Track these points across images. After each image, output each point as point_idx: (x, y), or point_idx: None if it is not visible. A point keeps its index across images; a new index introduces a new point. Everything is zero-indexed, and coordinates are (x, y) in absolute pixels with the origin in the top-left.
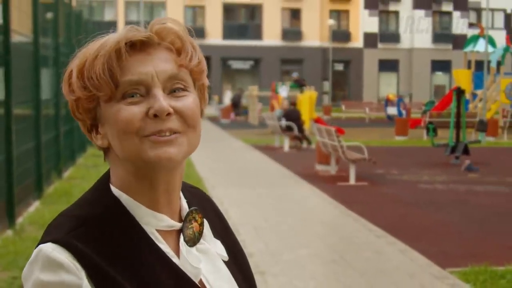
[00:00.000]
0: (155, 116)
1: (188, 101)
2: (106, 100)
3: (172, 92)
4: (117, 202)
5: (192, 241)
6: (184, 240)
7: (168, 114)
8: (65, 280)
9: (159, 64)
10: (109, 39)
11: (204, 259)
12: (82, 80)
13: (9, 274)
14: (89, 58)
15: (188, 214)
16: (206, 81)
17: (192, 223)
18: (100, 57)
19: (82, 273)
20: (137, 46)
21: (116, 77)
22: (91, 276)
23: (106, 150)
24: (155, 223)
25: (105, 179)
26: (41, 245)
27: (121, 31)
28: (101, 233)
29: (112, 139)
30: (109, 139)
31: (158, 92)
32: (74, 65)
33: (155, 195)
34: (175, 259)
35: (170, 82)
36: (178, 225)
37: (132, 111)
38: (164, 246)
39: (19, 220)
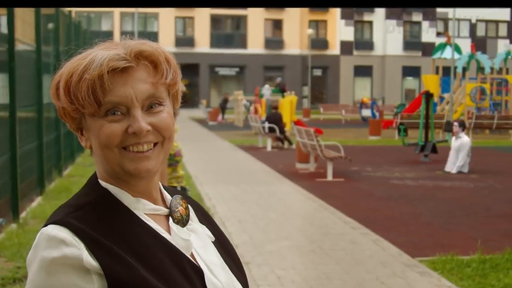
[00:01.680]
0: (134, 133)
1: (164, 116)
2: (90, 115)
3: (149, 108)
4: (107, 192)
5: (182, 223)
6: (174, 221)
7: (147, 131)
8: (67, 253)
9: (138, 86)
10: (94, 62)
11: (194, 236)
12: (68, 97)
13: (14, 264)
14: (74, 77)
15: (172, 201)
16: (180, 87)
17: (178, 207)
18: (84, 80)
19: (81, 245)
20: (118, 70)
21: (99, 98)
22: (89, 247)
23: (91, 149)
24: (142, 207)
25: (93, 176)
26: (42, 229)
27: (104, 57)
28: (96, 215)
29: (95, 148)
30: (92, 145)
31: (137, 113)
32: (61, 77)
33: (136, 188)
34: (165, 235)
35: (147, 100)
36: (164, 209)
37: (113, 128)
38: (154, 225)
39: (23, 214)
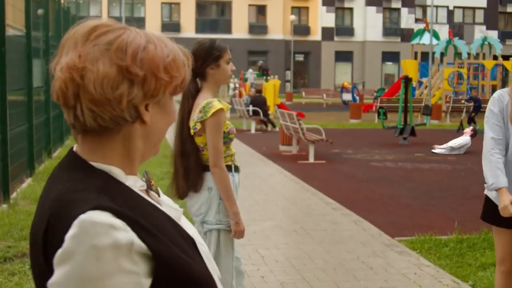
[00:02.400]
0: None
1: None
2: (172, 93)
3: None
4: (105, 173)
5: (158, 194)
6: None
7: None
8: (119, 238)
9: None
10: (180, 52)
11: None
12: (169, 77)
13: (5, 244)
14: (180, 62)
15: (146, 175)
16: None
17: (151, 181)
18: (184, 66)
19: (127, 228)
20: None
21: (187, 77)
22: (134, 229)
23: (104, 129)
24: (135, 184)
25: (77, 158)
26: (81, 216)
27: (182, 49)
28: (115, 195)
29: (160, 125)
30: (158, 122)
31: None
32: (175, 56)
33: (134, 165)
34: (161, 207)
35: None
36: (145, 184)
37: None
38: (150, 200)
39: (13, 195)
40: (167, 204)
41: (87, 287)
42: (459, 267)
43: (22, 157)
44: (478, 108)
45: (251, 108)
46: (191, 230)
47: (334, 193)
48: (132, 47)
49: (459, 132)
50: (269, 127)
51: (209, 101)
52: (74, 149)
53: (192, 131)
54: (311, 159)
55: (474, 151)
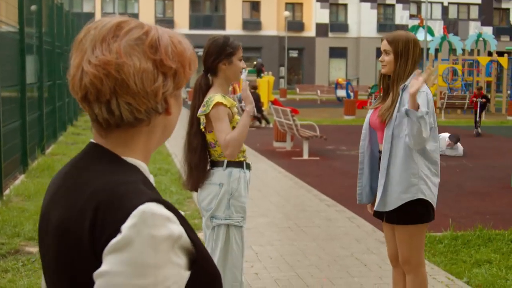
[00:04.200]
0: None
1: None
2: (180, 87)
3: None
4: (138, 169)
5: None
6: None
7: None
8: (173, 230)
9: None
10: (190, 46)
11: None
12: (189, 69)
13: None
14: (194, 57)
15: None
16: None
17: None
18: (195, 61)
19: (178, 221)
20: None
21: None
22: (181, 223)
23: (138, 122)
24: (152, 181)
25: (107, 153)
26: (140, 207)
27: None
28: (153, 190)
29: (173, 117)
30: (173, 113)
31: None
32: (193, 49)
33: (149, 157)
34: None
35: None
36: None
37: None
38: None
39: (6, 192)
40: None
41: (140, 275)
42: (453, 264)
43: (15, 154)
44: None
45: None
46: None
47: (328, 189)
48: (163, 42)
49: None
50: (263, 124)
51: (211, 96)
52: (96, 142)
53: (202, 127)
54: (305, 156)
55: (468, 149)
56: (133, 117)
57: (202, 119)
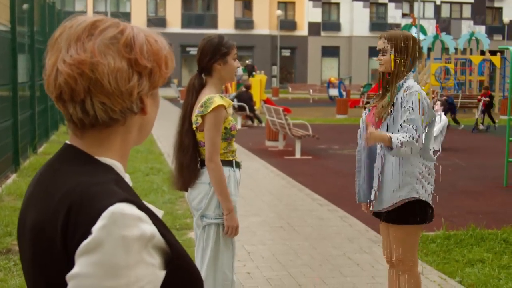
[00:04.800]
0: None
1: None
2: (158, 86)
3: None
4: (114, 169)
5: None
6: None
7: None
8: (145, 230)
9: None
10: (166, 45)
11: None
12: (166, 68)
13: None
14: (172, 54)
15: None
16: None
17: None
18: (172, 60)
19: (150, 220)
20: None
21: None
22: (153, 223)
23: (113, 122)
24: (129, 182)
25: (81, 154)
26: (110, 208)
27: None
28: (127, 189)
29: (150, 116)
30: (150, 113)
31: None
32: (169, 48)
33: (127, 156)
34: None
35: None
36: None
37: None
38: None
39: None
40: (150, 206)
41: (112, 276)
42: (446, 263)
43: (7, 153)
44: (490, 105)
45: (236, 103)
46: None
47: (320, 188)
48: (138, 41)
49: (474, 132)
50: (255, 123)
51: (210, 97)
52: (70, 143)
53: (194, 126)
54: (298, 155)
55: (461, 148)
56: (107, 117)
57: (197, 119)
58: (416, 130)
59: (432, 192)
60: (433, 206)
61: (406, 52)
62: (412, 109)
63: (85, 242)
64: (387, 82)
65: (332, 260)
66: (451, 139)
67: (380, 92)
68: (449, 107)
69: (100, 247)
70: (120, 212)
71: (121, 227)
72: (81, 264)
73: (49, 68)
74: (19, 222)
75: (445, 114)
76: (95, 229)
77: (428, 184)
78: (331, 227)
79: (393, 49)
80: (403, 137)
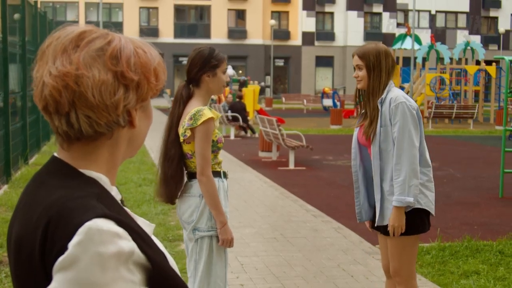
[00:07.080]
0: None
1: None
2: (152, 96)
3: None
4: (98, 182)
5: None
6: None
7: None
8: (123, 246)
9: None
10: (157, 57)
11: None
12: (156, 80)
13: None
14: (163, 66)
15: (114, 188)
16: None
17: (121, 197)
18: (163, 72)
19: (129, 236)
20: None
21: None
22: (133, 238)
23: (99, 135)
24: (117, 195)
25: (66, 167)
26: (87, 224)
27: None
28: (111, 204)
29: (141, 128)
30: (139, 126)
31: None
32: (159, 60)
33: (116, 170)
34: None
35: None
36: (121, 197)
37: None
38: (128, 211)
39: None
40: (141, 219)
41: None
42: (441, 275)
43: None
44: None
45: (230, 113)
46: (160, 244)
47: (314, 199)
48: (125, 52)
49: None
50: (249, 133)
51: (199, 109)
52: (57, 155)
53: (181, 138)
54: (291, 166)
55: (456, 159)
56: (92, 130)
57: (185, 132)
58: (401, 163)
59: (434, 198)
60: (433, 214)
61: (379, 67)
62: (399, 129)
63: (61, 258)
64: (368, 99)
65: (326, 272)
66: (445, 149)
67: (363, 111)
68: None
69: (75, 264)
70: (97, 228)
71: (97, 243)
72: (57, 281)
73: (37, 80)
74: (7, 234)
75: None
76: (71, 244)
77: (429, 191)
78: (325, 239)
79: (366, 66)
80: (400, 188)
